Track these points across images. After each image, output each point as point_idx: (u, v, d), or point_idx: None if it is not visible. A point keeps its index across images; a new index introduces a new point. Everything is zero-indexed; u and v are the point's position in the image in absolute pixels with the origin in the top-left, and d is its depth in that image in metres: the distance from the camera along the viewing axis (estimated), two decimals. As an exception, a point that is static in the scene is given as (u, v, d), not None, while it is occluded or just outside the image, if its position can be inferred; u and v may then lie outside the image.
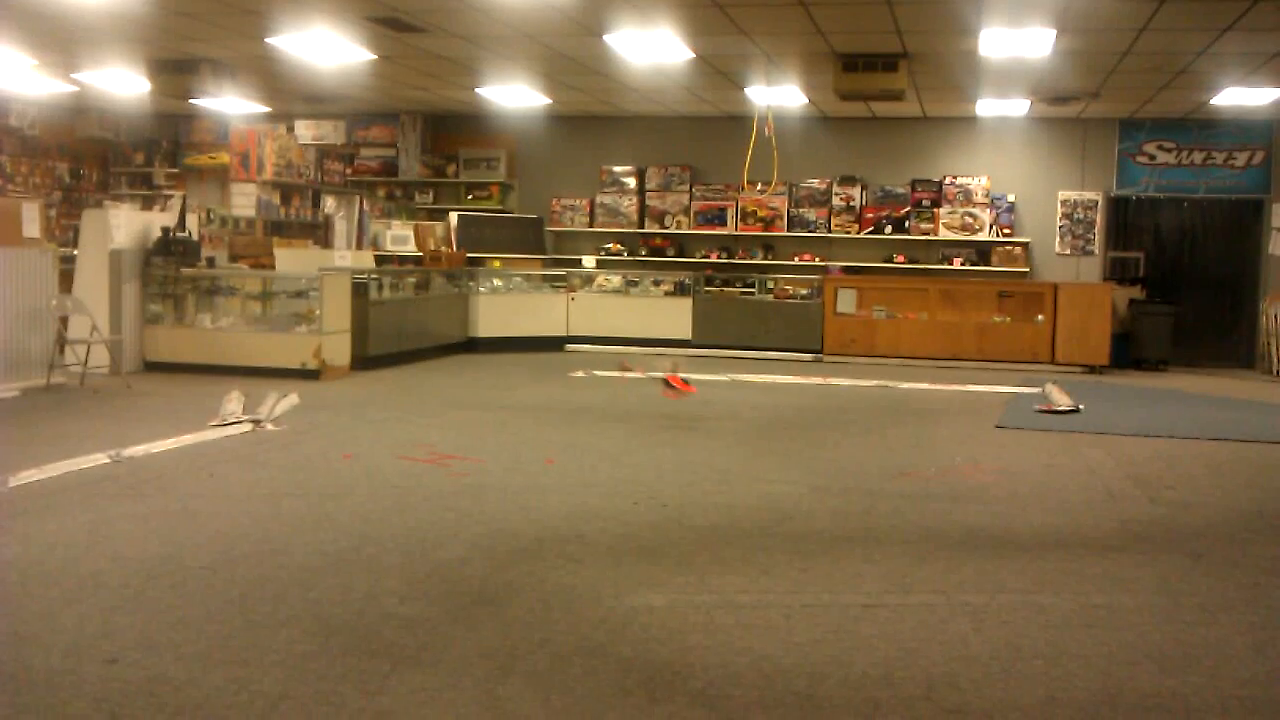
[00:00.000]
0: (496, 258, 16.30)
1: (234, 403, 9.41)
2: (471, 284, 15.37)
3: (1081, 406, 10.78)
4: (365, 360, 12.54)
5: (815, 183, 16.78)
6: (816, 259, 16.75)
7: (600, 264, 16.85)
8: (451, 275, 15.17)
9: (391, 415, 9.70)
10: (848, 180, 16.70)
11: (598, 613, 4.58)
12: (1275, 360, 15.34)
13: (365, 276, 13.09)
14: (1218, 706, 3.81)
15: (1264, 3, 9.12)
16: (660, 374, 9.19)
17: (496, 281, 15.75)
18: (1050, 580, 5.26)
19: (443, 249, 15.89)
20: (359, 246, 15.80)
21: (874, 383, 12.90)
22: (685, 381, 10.27)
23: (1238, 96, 13.60)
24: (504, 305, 15.57)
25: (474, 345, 15.12)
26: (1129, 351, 15.35)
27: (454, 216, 16.59)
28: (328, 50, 12.39)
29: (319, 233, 15.36)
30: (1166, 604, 4.94)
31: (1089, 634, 4.51)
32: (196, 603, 4.62)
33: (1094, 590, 5.12)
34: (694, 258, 17.07)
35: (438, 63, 13.22)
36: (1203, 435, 9.72)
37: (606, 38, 11.29)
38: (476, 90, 15.03)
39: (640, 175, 17.34)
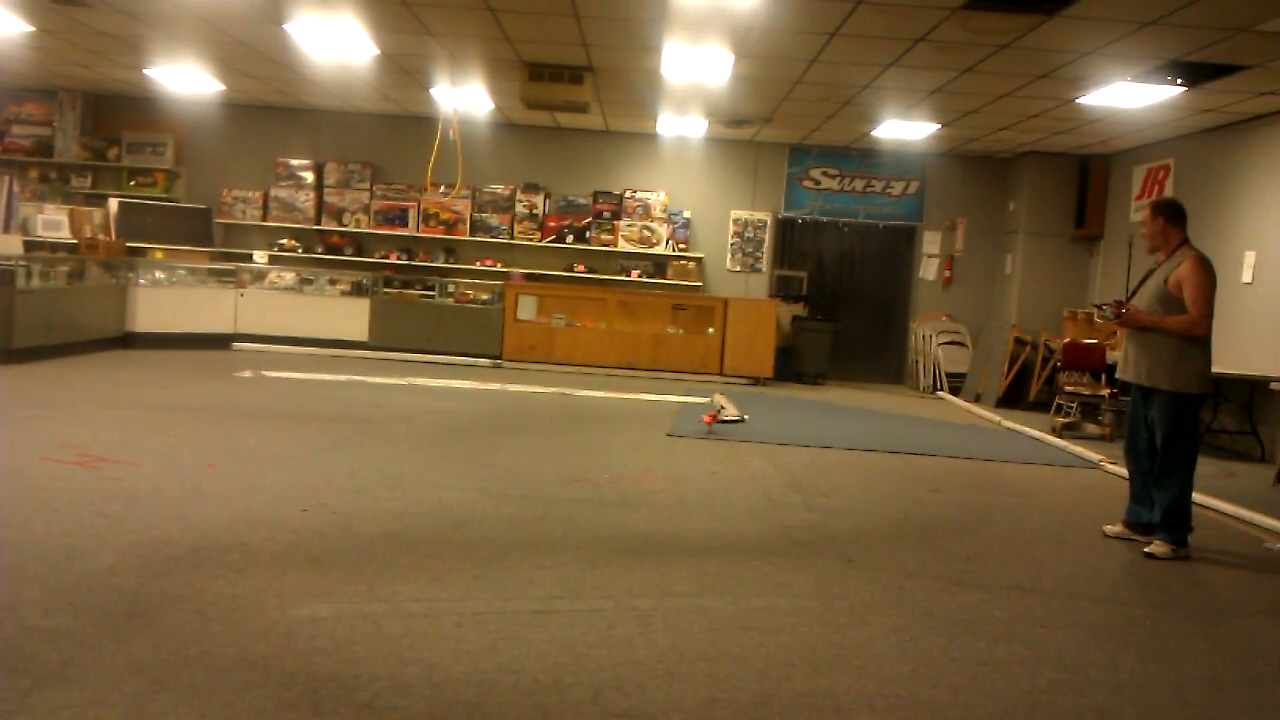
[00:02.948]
0: (160, 248, 15.42)
1: None
2: (131, 275, 14.48)
3: (746, 417, 11.22)
4: (9, 353, 11.60)
5: (499, 188, 16.79)
6: (498, 265, 16.77)
7: (273, 260, 16.24)
8: (109, 265, 14.24)
9: (37, 413, 9.00)
10: (531, 188, 16.81)
11: (260, 624, 4.38)
12: (921, 376, 16.52)
13: (11, 263, 12.10)
14: (865, 704, 4.02)
15: (923, 43, 9.80)
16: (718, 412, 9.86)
17: (159, 273, 14.90)
18: (714, 584, 5.42)
19: (100, 236, 14.91)
20: (6, 231, 14.58)
21: (552, 390, 13.02)
22: (715, 415, 10.63)
23: (897, 130, 14.57)
24: (166, 299, 14.75)
25: (132, 340, 14.26)
26: (791, 365, 16.16)
27: (114, 203, 15.58)
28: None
29: (-41, 214, 14.11)
30: (820, 607, 5.18)
31: (748, 636, 4.67)
32: None
33: (754, 593, 5.32)
34: (373, 258, 16.74)
35: (102, 40, 12.39)
36: (855, 446, 10.32)
37: (287, 27, 10.90)
38: (144, 71, 14.20)
39: (319, 170, 16.85)
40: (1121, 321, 7.02)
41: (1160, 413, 6.85)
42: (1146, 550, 6.79)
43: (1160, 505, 6.84)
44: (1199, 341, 6.74)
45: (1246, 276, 11.76)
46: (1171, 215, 6.98)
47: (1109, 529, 7.28)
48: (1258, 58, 9.34)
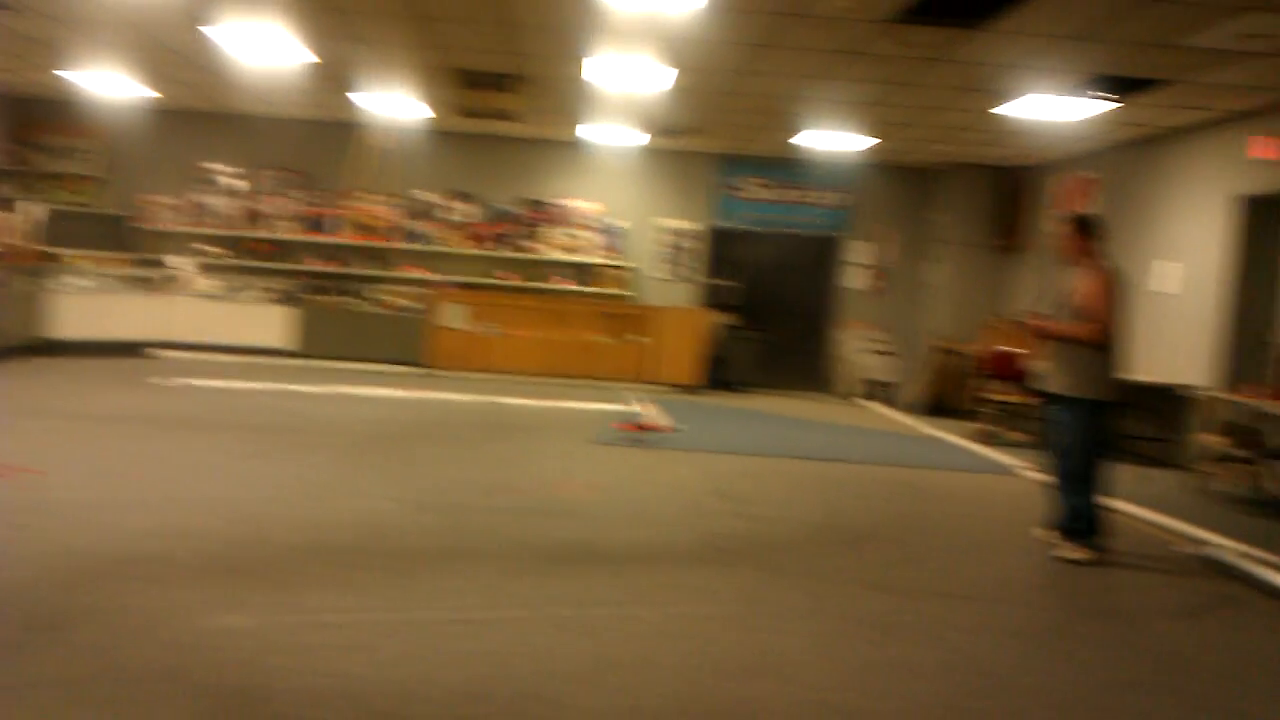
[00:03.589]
0: (82, 255, 15.15)
1: None
2: (52, 282, 14.22)
3: (675, 425, 11.25)
4: (-78, 360, 11.36)
5: (429, 195, 16.70)
6: (426, 272, 16.66)
7: (198, 266, 16.01)
8: (29, 271, 13.97)
9: (-50, 422, 8.82)
10: (461, 195, 16.73)
11: (176, 636, 4.32)
12: (849, 385, 16.66)
13: (-75, 268, 11.86)
14: (788, 712, 4.04)
15: (853, 55, 9.88)
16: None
17: (80, 280, 14.65)
18: (638, 592, 5.43)
19: (20, 243, 14.62)
20: (-79, 236, 14.29)
21: (479, 398, 12.97)
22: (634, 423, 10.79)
23: (827, 141, 14.68)
24: (88, 306, 14.50)
25: (52, 348, 13.99)
26: (721, 373, 16.22)
27: (34, 208, 15.27)
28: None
29: (-128, 218, 13.77)
30: (745, 613, 5.21)
31: (673, 644, 4.68)
32: None
33: (679, 601, 5.33)
34: (300, 264, 16.56)
35: (24, 43, 12.13)
36: (782, 453, 10.39)
37: (214, 31, 10.76)
38: (67, 75, 13.95)
39: (245, 176, 16.64)
40: (1032, 332, 7.19)
41: (1065, 418, 7.00)
42: (1053, 553, 6.90)
43: (1065, 508, 6.98)
44: (1101, 349, 6.88)
45: (1163, 286, 11.99)
46: (1083, 228, 7.13)
47: (1037, 532, 7.39)
48: (1180, 72, 9.53)
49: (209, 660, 4.09)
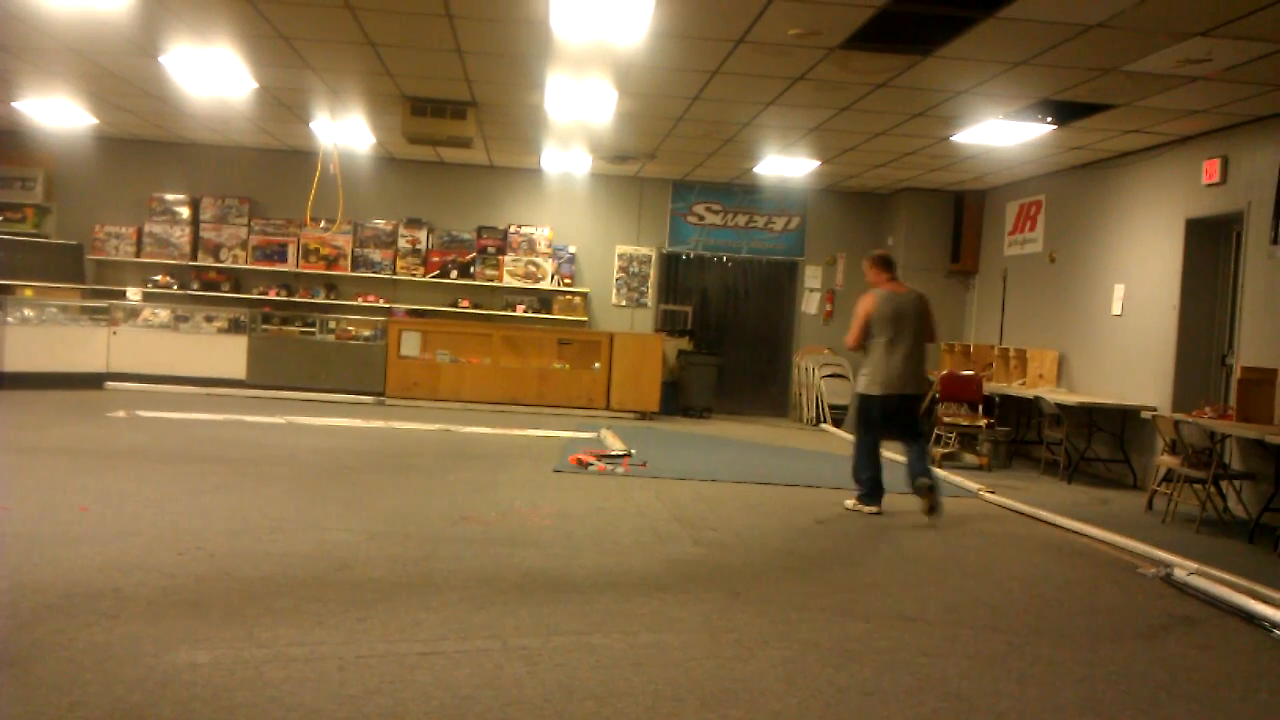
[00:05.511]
0: (29, 286, 14.96)
1: None
2: (1, 313, 14.02)
3: (633, 451, 11.23)
4: None
5: (381, 223, 16.64)
6: (381, 300, 16.59)
7: (147, 297, 15.86)
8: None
9: (-105, 457, 8.65)
10: (414, 223, 16.69)
11: (135, 672, 4.24)
12: (805, 409, 16.72)
13: None
14: (753, 737, 4.03)
15: (802, 82, 9.96)
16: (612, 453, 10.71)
17: (28, 311, 14.46)
18: (602, 621, 5.40)
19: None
20: None
21: (437, 427, 12.89)
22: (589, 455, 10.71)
23: (778, 166, 14.77)
24: (37, 337, 14.30)
25: (1, 380, 13.77)
26: (677, 399, 16.24)
27: (-20, 239, 15.09)
28: None
29: None
30: (708, 641, 5.19)
31: (637, 673, 4.65)
32: None
33: (643, 629, 5.30)
34: (251, 294, 16.43)
35: (-34, 70, 12.02)
36: (741, 479, 10.39)
37: (162, 60, 10.68)
38: (12, 104, 13.78)
39: (194, 205, 16.50)
40: None
41: None
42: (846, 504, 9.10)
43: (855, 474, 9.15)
44: (864, 355, 8.98)
45: (1116, 309, 12.14)
46: (876, 262, 9.18)
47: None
48: (1124, 97, 9.68)
49: (171, 696, 4.01)
